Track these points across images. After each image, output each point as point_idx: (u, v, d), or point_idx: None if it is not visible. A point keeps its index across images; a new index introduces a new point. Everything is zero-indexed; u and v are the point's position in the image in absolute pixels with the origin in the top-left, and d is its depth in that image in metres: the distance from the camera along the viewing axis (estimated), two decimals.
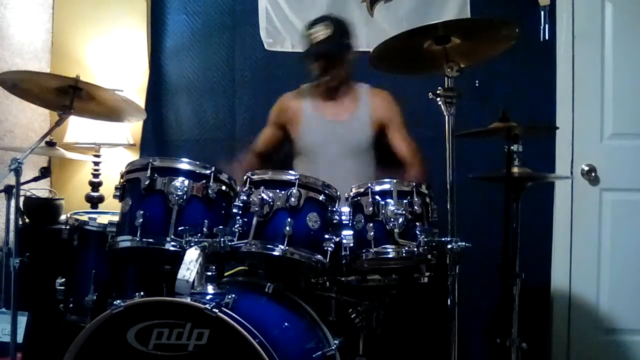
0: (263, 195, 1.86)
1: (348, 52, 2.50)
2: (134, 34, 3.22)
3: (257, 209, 1.86)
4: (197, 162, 1.94)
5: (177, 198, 1.86)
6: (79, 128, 3.02)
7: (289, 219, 1.85)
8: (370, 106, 2.57)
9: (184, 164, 1.93)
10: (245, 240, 1.86)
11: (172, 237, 1.86)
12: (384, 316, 2.10)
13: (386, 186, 1.95)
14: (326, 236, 1.91)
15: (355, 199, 1.98)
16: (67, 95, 2.16)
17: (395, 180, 1.97)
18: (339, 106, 2.58)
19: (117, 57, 3.23)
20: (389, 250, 1.90)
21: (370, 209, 1.92)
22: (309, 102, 2.62)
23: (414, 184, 1.96)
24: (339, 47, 2.46)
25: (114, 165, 2.99)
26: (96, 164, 3.06)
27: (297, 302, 1.99)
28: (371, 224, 1.92)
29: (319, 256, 1.89)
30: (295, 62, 3.04)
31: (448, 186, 1.83)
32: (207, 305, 1.60)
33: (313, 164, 2.52)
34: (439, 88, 1.83)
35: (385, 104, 2.58)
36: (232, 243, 1.85)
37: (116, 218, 1.99)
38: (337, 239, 1.91)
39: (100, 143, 3.04)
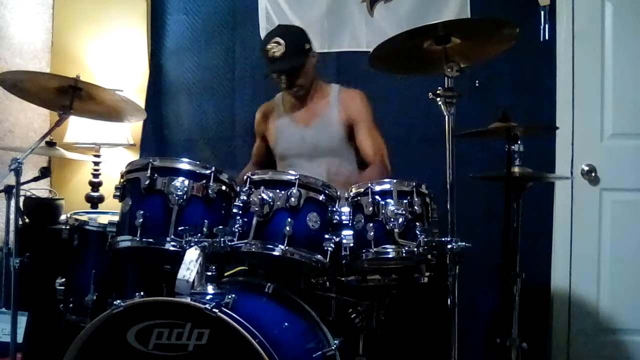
0: (263, 195, 1.86)
1: (307, 59, 2.49)
2: (134, 34, 3.22)
3: (257, 209, 1.86)
4: (197, 162, 1.94)
5: (177, 198, 1.86)
6: (79, 128, 3.02)
7: (289, 219, 1.85)
8: (338, 106, 2.56)
9: (184, 164, 1.93)
10: (245, 240, 1.86)
11: (172, 237, 1.85)
12: (384, 316, 2.10)
13: (386, 186, 1.95)
14: (326, 236, 1.90)
15: (355, 199, 1.98)
16: (67, 95, 2.16)
17: (395, 180, 1.96)
18: (310, 110, 2.59)
19: (117, 57, 3.23)
20: (389, 250, 1.90)
21: (370, 209, 1.91)
22: (282, 110, 2.66)
23: (414, 184, 1.96)
24: (296, 60, 2.44)
25: (114, 165, 2.99)
26: (96, 164, 3.06)
27: (297, 302, 1.99)
28: (371, 224, 1.92)
29: (319, 256, 1.88)
30: None
31: (448, 186, 1.83)
32: (207, 305, 1.59)
33: (290, 168, 2.54)
34: (439, 88, 1.83)
35: (353, 102, 2.57)
36: (232, 243, 1.85)
37: (116, 218, 1.99)
38: (337, 239, 1.91)
39: (100, 143, 3.04)
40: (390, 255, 1.91)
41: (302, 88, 2.53)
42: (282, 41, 2.41)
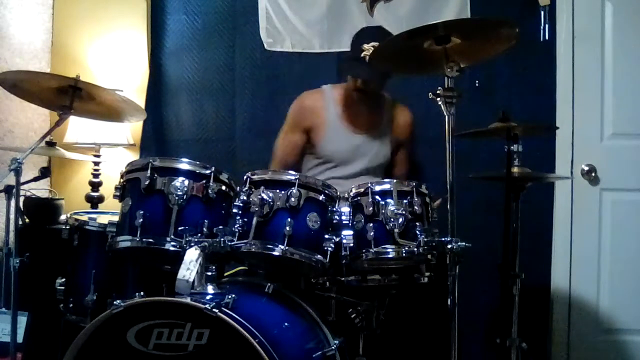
0: (263, 195, 1.86)
1: (389, 74, 2.41)
2: (134, 34, 3.22)
3: (257, 209, 1.86)
4: (197, 162, 1.94)
5: (177, 198, 1.86)
6: (79, 128, 3.02)
7: (289, 219, 1.85)
8: (392, 123, 2.56)
9: (184, 164, 1.93)
10: (245, 240, 1.86)
11: (172, 237, 1.86)
12: (384, 316, 2.10)
13: (386, 186, 1.95)
14: (326, 236, 1.91)
15: (355, 199, 1.98)
16: (67, 95, 2.16)
17: (395, 180, 1.97)
18: (364, 117, 2.51)
19: (117, 57, 3.22)
20: (389, 250, 1.90)
21: (370, 209, 1.91)
22: (333, 106, 2.53)
23: (414, 184, 1.96)
24: (383, 72, 2.37)
25: (114, 165, 2.99)
26: (96, 164, 3.06)
27: (297, 302, 1.99)
28: (371, 224, 1.92)
29: (319, 256, 1.89)
30: (295, 62, 3.05)
31: (448, 186, 1.83)
32: (207, 305, 1.60)
33: (332, 174, 2.49)
34: (439, 88, 1.83)
35: (405, 123, 2.58)
36: (232, 243, 1.85)
37: (116, 218, 1.99)
38: (337, 239, 1.91)
39: (100, 143, 3.04)
40: (390, 255, 1.91)
41: (371, 95, 2.47)
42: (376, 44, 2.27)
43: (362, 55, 2.31)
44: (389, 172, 2.60)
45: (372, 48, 2.23)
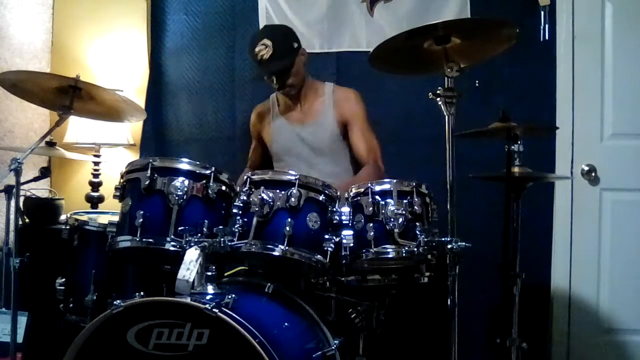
0: (263, 195, 1.86)
1: (297, 58, 2.49)
2: (134, 34, 3.22)
3: (257, 209, 1.86)
4: (197, 162, 1.94)
5: (177, 198, 1.86)
6: (79, 128, 3.02)
7: (289, 219, 1.85)
8: (333, 105, 2.57)
9: (184, 164, 1.93)
10: (245, 240, 1.85)
11: (172, 237, 1.85)
12: (384, 316, 2.10)
13: (386, 186, 1.95)
14: (326, 236, 1.90)
15: (355, 199, 1.98)
16: (67, 95, 2.16)
17: (395, 180, 1.96)
18: (304, 110, 2.60)
19: (117, 57, 3.23)
20: (389, 250, 1.90)
21: (370, 209, 1.91)
22: (277, 110, 2.66)
23: (414, 184, 1.96)
24: (285, 61, 2.45)
25: (114, 165, 2.99)
26: (96, 164, 3.06)
27: (297, 302, 1.99)
28: (371, 224, 1.91)
29: (319, 256, 1.88)
30: None
31: (448, 186, 1.83)
32: (207, 305, 1.59)
33: (286, 169, 2.53)
34: (439, 88, 1.83)
35: (347, 101, 2.57)
36: (232, 243, 1.84)
37: (116, 218, 1.99)
38: (337, 239, 1.91)
39: (100, 143, 3.04)
40: (390, 255, 1.91)
41: (294, 87, 2.54)
42: (269, 42, 2.42)
43: (258, 58, 2.43)
44: (352, 156, 2.58)
45: (262, 46, 2.41)
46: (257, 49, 2.42)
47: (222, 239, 1.82)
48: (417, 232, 1.90)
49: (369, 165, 2.46)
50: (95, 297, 2.03)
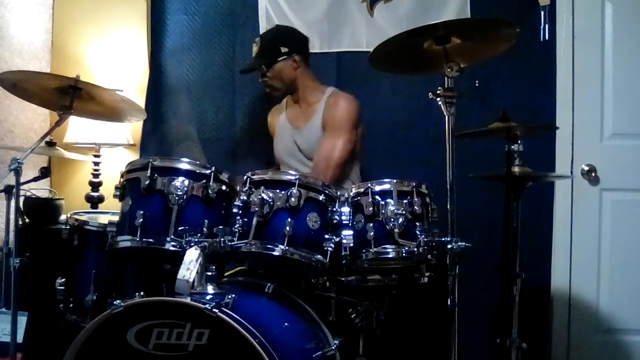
0: (263, 195, 1.86)
1: (281, 62, 2.52)
2: (134, 34, 3.22)
3: (257, 209, 1.86)
4: (197, 162, 1.94)
5: (177, 198, 1.86)
6: (79, 128, 3.02)
7: (289, 219, 1.85)
8: (323, 110, 2.55)
9: (184, 164, 1.93)
10: (245, 240, 1.85)
11: (172, 237, 1.85)
12: (384, 316, 2.10)
13: (386, 186, 1.95)
14: (326, 236, 1.90)
15: (355, 199, 1.98)
16: (67, 95, 2.16)
17: (395, 180, 1.96)
18: (302, 114, 2.63)
19: (117, 57, 3.23)
20: (389, 250, 1.90)
21: (370, 209, 1.91)
22: (284, 112, 2.71)
23: (414, 184, 1.96)
24: (263, 60, 2.52)
25: (114, 165, 2.99)
26: (96, 164, 3.06)
27: (297, 302, 1.99)
28: (371, 224, 1.91)
29: (319, 256, 1.88)
30: None
31: (448, 186, 1.83)
32: (207, 305, 1.60)
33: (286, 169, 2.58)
34: (439, 88, 1.83)
35: (334, 106, 2.50)
36: (232, 243, 1.84)
37: (116, 218, 1.99)
38: (337, 239, 1.91)
39: (100, 143, 3.04)
40: (390, 255, 1.91)
41: (276, 90, 2.60)
42: (259, 41, 2.54)
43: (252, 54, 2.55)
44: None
45: (254, 45, 2.55)
46: (253, 49, 2.55)
47: (222, 239, 1.82)
48: (417, 232, 1.90)
49: (315, 168, 2.46)
50: (95, 297, 2.03)
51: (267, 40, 2.55)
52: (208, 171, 1.92)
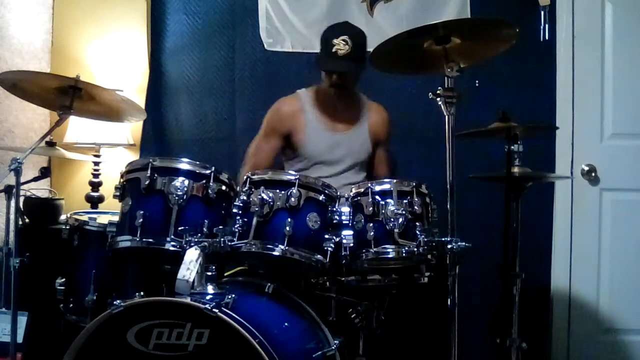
0: (263, 195, 1.86)
1: (363, 67, 2.41)
2: (134, 34, 3.22)
3: (257, 209, 1.86)
4: (197, 162, 1.94)
5: (177, 198, 1.86)
6: (79, 128, 3.02)
7: (289, 219, 1.85)
8: (369, 120, 2.55)
9: (184, 164, 1.93)
10: (245, 240, 1.86)
11: (172, 237, 1.86)
12: (384, 316, 2.09)
13: (386, 186, 1.95)
14: (326, 236, 1.90)
15: (355, 199, 1.98)
16: (67, 95, 2.16)
17: (395, 180, 1.97)
18: (342, 116, 2.53)
19: (117, 57, 3.22)
20: (389, 250, 1.90)
21: (370, 209, 1.92)
22: (310, 107, 2.53)
23: (414, 184, 1.96)
24: (359, 64, 2.39)
25: (114, 165, 2.99)
26: (96, 164, 3.06)
27: (297, 302, 1.99)
28: (371, 224, 1.92)
29: (319, 256, 1.89)
30: (295, 62, 3.05)
31: (448, 186, 1.83)
32: (207, 305, 1.60)
33: (318, 173, 2.45)
34: (439, 88, 1.83)
35: (381, 120, 2.58)
36: (232, 243, 1.85)
37: (116, 218, 1.99)
38: (337, 239, 1.91)
39: (100, 143, 3.04)
40: (390, 255, 1.91)
41: (346, 89, 2.48)
42: (349, 41, 2.34)
43: (333, 50, 2.34)
44: (370, 172, 2.60)
45: (342, 42, 2.33)
46: (335, 42, 2.34)
47: (222, 239, 1.82)
48: (417, 232, 1.90)
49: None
50: (95, 297, 2.03)
51: (359, 42, 2.40)
52: (208, 171, 1.92)
